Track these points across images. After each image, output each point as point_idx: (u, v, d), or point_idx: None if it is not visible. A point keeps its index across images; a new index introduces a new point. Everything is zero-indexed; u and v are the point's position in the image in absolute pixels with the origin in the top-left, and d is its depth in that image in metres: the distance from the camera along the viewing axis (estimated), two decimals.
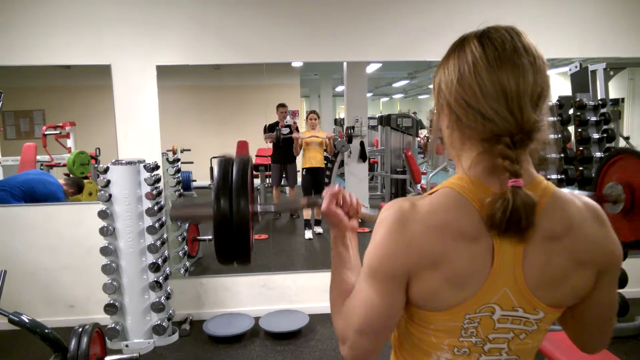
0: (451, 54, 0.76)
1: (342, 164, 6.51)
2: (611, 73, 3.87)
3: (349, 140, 5.80)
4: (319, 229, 5.48)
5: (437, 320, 0.75)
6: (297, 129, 5.87)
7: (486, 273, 0.71)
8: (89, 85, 3.96)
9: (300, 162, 5.60)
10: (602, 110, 3.11)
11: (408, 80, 10.68)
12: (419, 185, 6.45)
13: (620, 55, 3.57)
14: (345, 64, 6.38)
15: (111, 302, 3.07)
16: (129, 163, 3.09)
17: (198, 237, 4.45)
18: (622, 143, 6.15)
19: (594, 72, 3.93)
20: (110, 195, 3.05)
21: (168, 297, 3.26)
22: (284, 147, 5.79)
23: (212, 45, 3.40)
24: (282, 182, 5.90)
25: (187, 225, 4.06)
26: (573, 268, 0.74)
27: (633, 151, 1.64)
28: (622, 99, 7.29)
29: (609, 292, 0.80)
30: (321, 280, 3.67)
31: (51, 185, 3.70)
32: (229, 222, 0.94)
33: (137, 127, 3.40)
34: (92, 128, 3.81)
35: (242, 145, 6.95)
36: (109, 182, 3.05)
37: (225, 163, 1.01)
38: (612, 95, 6.02)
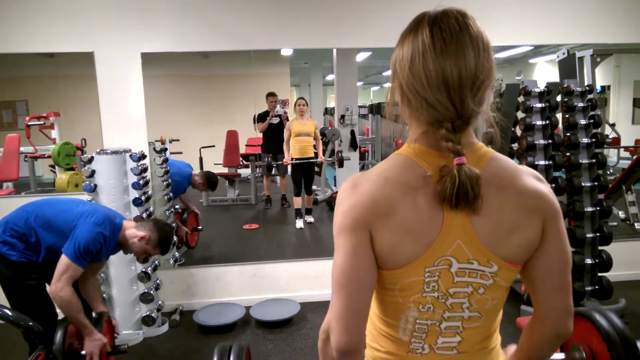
0: (407, 36, 0.81)
1: (332, 153, 6.50)
2: (598, 60, 3.89)
3: (340, 165, 5.67)
4: (310, 218, 5.47)
5: (400, 278, 0.81)
6: (287, 119, 5.83)
7: (439, 225, 0.78)
8: (73, 75, 3.89)
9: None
10: (589, 96, 3.12)
11: None
12: None
13: (607, 41, 3.58)
14: (335, 52, 6.34)
15: None
16: (115, 152, 3.05)
17: (198, 228, 4.49)
18: (607, 129, 6.22)
19: (581, 58, 3.94)
20: (95, 186, 3.01)
21: (157, 288, 3.24)
22: (274, 137, 5.75)
23: (199, 32, 3.35)
24: (273, 172, 5.87)
25: (185, 215, 4.04)
26: (520, 216, 0.79)
27: (585, 314, 1.67)
28: (608, 86, 7.35)
29: (556, 242, 0.83)
30: (312, 268, 3.67)
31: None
32: None
33: (123, 117, 3.35)
34: (77, 118, 3.74)
35: (232, 135, 6.90)
36: (94, 172, 3.01)
37: None
38: (599, 82, 6.06)
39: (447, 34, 0.76)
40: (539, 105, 3.16)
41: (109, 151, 3.04)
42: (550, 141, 3.11)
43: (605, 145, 3.21)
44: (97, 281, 2.54)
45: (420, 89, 0.77)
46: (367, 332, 0.93)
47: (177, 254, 3.81)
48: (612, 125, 6.40)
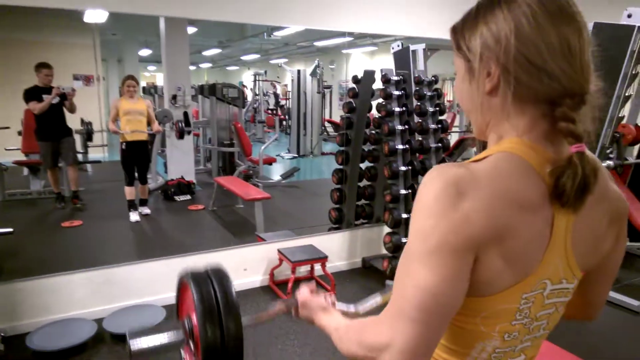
0: (495, 7, 0.67)
1: (163, 137, 5.91)
2: (429, 53, 4.38)
3: (180, 136, 5.42)
4: (145, 210, 4.89)
5: (491, 306, 0.68)
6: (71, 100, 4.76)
7: (544, 246, 0.67)
8: None
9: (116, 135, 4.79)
10: (435, 86, 3.50)
11: (219, 49, 10.28)
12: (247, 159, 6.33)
13: (438, 36, 4.04)
14: (162, 23, 5.71)
15: None
16: None
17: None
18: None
19: (414, 51, 4.37)
20: None
21: None
22: (54, 119, 4.63)
23: None
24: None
25: None
26: (607, 227, 0.74)
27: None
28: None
29: (622, 245, 0.81)
30: (170, 267, 3.26)
31: None
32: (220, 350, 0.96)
33: None
34: None
35: (32, 115, 5.65)
36: None
37: (201, 281, 1.00)
38: (430, 73, 6.89)
39: None
40: (396, 92, 3.41)
41: None
42: (407, 127, 3.39)
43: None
44: None
45: (537, 58, 0.64)
46: None
47: None
48: None
